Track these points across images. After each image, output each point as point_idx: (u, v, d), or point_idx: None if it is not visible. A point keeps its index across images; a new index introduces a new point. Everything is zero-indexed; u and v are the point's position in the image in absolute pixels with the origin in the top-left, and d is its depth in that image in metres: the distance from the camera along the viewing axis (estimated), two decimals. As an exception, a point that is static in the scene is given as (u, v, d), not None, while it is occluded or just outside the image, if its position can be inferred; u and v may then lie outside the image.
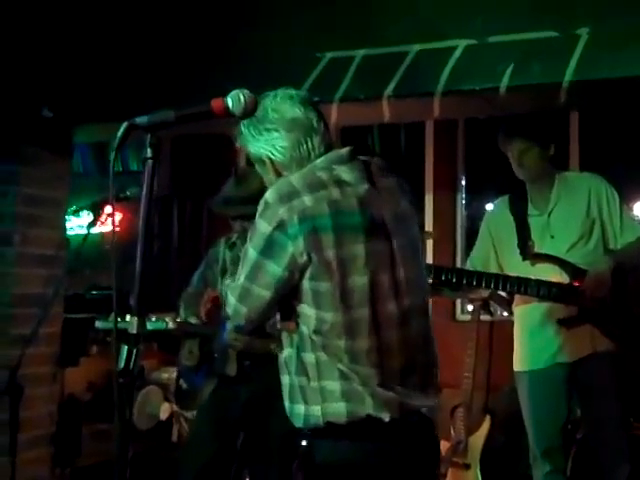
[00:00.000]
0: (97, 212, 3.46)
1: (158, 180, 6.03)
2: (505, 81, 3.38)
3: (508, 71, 3.39)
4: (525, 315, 3.97)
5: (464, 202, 5.98)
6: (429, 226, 5.63)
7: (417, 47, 3.56)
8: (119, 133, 1.74)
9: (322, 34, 3.78)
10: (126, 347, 1.71)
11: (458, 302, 5.79)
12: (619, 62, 3.23)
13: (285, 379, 2.18)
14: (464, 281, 3.82)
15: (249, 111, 1.80)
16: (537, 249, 3.89)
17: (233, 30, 4.01)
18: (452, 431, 5.03)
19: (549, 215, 3.90)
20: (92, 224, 3.49)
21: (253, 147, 2.20)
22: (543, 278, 3.79)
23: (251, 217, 3.73)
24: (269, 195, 2.11)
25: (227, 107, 1.79)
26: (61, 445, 4.68)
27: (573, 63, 3.26)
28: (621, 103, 4.10)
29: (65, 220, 4.93)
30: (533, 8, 3.40)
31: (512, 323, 4.06)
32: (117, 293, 1.90)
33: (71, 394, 5.08)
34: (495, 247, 4.04)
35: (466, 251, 5.72)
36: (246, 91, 1.79)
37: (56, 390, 4.68)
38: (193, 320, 3.78)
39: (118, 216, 7.13)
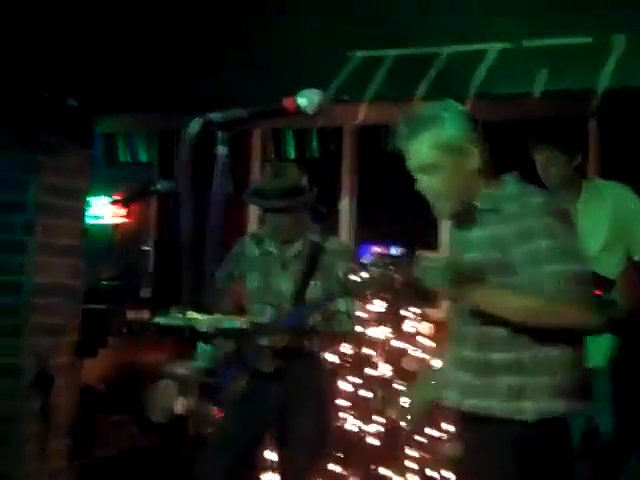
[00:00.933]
0: (129, 204, 3.47)
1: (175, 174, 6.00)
2: (539, 86, 3.39)
3: (542, 76, 3.40)
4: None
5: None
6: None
7: (449, 49, 3.57)
8: (194, 129, 1.76)
9: (353, 32, 3.78)
10: (206, 346, 1.72)
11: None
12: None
13: (515, 380, 2.25)
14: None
15: (322, 109, 1.81)
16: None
17: (263, 25, 4.00)
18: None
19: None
20: (125, 215, 3.49)
21: (459, 131, 2.25)
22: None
23: (285, 210, 3.76)
24: None
25: (299, 106, 1.80)
26: (78, 436, 4.67)
27: (607, 70, 3.27)
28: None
29: (85, 210, 4.93)
30: (568, 13, 3.39)
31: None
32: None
33: (87, 385, 5.08)
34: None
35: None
36: (318, 90, 1.81)
37: (76, 380, 4.67)
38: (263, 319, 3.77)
39: (123, 210, 7.13)
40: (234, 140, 1.76)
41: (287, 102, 1.82)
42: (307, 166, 5.03)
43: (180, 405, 5.29)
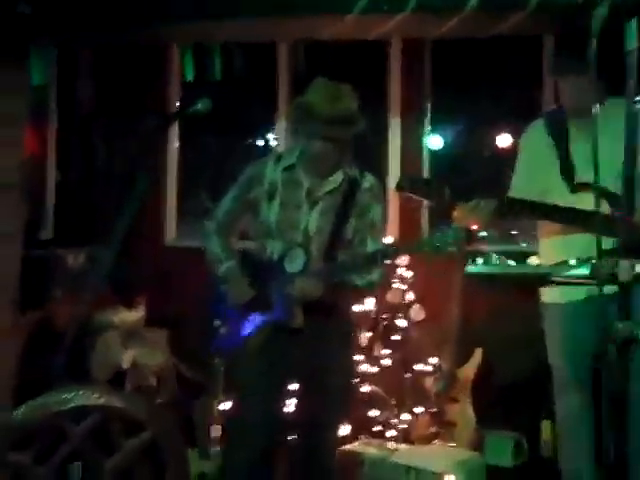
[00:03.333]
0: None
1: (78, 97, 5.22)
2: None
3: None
4: (560, 246, 3.87)
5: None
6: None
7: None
8: (601, 14, 1.35)
9: None
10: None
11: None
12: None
13: None
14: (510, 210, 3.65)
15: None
16: (580, 177, 3.77)
17: None
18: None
19: (593, 142, 3.78)
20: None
21: None
22: (586, 208, 3.70)
23: (337, 140, 3.29)
24: None
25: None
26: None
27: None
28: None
29: (22, 138, 4.17)
30: None
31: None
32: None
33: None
34: (536, 174, 3.88)
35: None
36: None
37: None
38: None
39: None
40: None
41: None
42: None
43: (127, 359, 4.71)
